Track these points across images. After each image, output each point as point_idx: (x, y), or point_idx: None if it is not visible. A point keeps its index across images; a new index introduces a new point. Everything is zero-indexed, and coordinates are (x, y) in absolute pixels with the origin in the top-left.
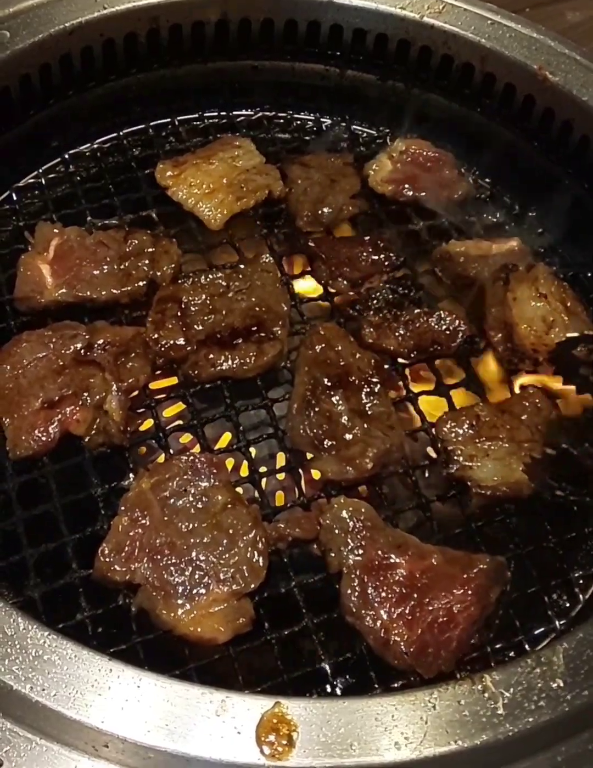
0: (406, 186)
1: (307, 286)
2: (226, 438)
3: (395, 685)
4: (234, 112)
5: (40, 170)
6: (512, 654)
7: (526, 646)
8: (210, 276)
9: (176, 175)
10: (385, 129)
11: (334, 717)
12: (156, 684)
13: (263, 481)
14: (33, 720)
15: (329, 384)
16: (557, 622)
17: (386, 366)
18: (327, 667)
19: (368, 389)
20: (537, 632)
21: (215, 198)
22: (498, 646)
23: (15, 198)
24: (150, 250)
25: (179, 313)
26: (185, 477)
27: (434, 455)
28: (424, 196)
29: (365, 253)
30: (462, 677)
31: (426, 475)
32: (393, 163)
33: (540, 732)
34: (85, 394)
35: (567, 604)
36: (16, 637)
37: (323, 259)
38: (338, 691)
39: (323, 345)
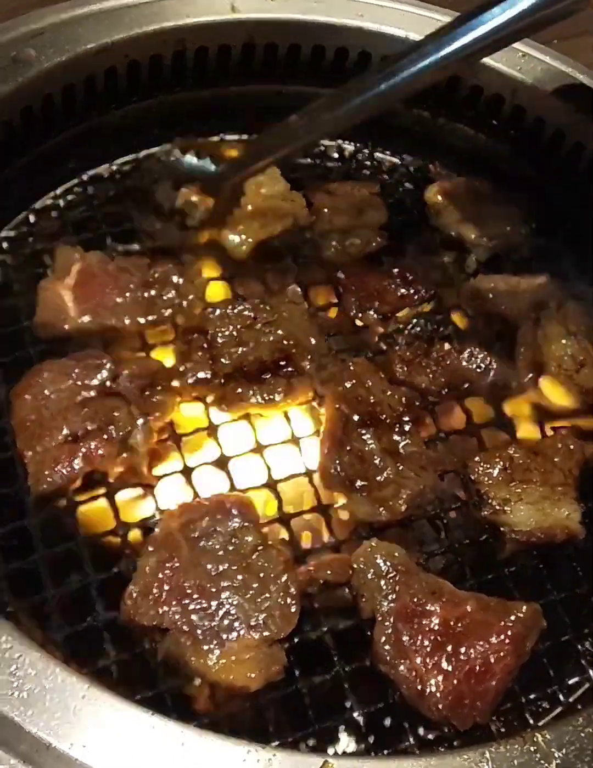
0: None
1: (333, 318)
2: (253, 475)
3: (430, 736)
4: (254, 136)
5: (58, 191)
6: (546, 705)
7: (560, 697)
8: (237, 308)
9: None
10: (407, 157)
11: None
12: (200, 740)
13: (291, 521)
14: None
15: (360, 422)
16: (591, 672)
17: (416, 403)
18: (359, 717)
19: (400, 428)
20: (571, 682)
21: (240, 225)
22: (532, 696)
23: (32, 219)
24: (175, 278)
25: (205, 345)
26: (215, 517)
27: (464, 496)
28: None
29: (393, 286)
30: (497, 731)
31: (456, 517)
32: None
33: None
34: (111, 427)
35: None
36: (55, 688)
37: (352, 291)
38: (370, 741)
39: (354, 381)
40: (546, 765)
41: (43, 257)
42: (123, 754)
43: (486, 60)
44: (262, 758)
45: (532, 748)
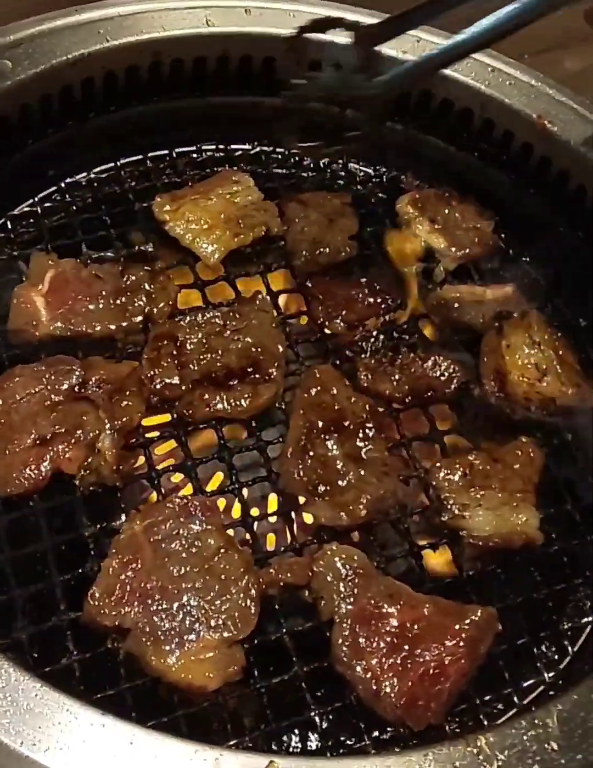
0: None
1: (302, 326)
2: (218, 479)
3: (385, 736)
4: (232, 146)
5: (36, 198)
6: (501, 706)
7: (515, 699)
8: (207, 315)
9: (174, 209)
10: (381, 168)
11: None
12: (149, 740)
13: (255, 524)
14: None
15: (324, 428)
16: (546, 675)
17: (380, 410)
18: (316, 717)
19: (363, 434)
20: (526, 684)
21: (213, 234)
22: (487, 698)
23: (9, 226)
24: (147, 285)
25: (174, 352)
26: (179, 520)
27: (426, 502)
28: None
29: (361, 295)
30: (451, 733)
31: (418, 521)
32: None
33: None
34: (79, 431)
35: (557, 657)
36: (7, 688)
37: (320, 300)
38: (327, 741)
39: (319, 388)
40: (488, 767)
41: (19, 264)
42: (73, 752)
43: (456, 75)
44: (209, 757)
45: (475, 750)
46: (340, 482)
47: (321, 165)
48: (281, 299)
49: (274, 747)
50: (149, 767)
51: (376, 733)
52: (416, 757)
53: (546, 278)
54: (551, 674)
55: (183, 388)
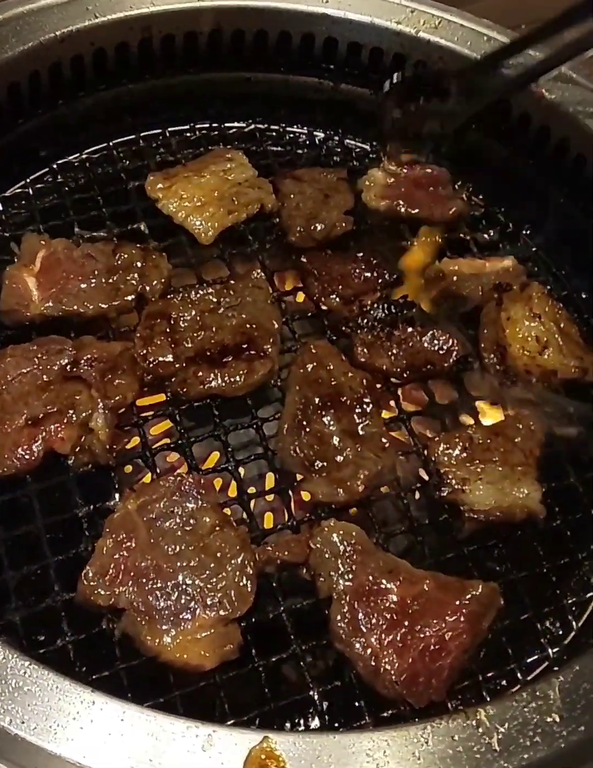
0: (400, 202)
1: (298, 303)
2: (214, 457)
3: (385, 714)
4: (226, 124)
5: (27, 180)
6: (504, 682)
7: (518, 675)
8: (200, 291)
9: (167, 187)
10: (377, 143)
11: (324, 752)
12: (140, 716)
13: (252, 502)
14: (10, 753)
15: (321, 404)
16: (550, 650)
17: (378, 385)
18: (315, 696)
19: (360, 410)
20: (529, 660)
21: (206, 211)
22: (489, 674)
23: (1, 208)
24: (139, 263)
25: (167, 329)
26: (173, 498)
27: (426, 477)
28: (418, 213)
29: (358, 270)
30: (454, 709)
31: (418, 497)
32: (386, 178)
33: None
34: (71, 411)
35: (560, 632)
36: None
37: (316, 276)
38: (326, 720)
39: (315, 363)
40: (488, 740)
41: (10, 245)
42: (63, 730)
43: (452, 45)
44: (201, 734)
45: (474, 723)
46: (337, 458)
47: (317, 141)
48: (277, 276)
49: (272, 726)
50: (141, 744)
51: (376, 711)
52: (415, 730)
53: (545, 250)
54: (555, 650)
55: (177, 365)
